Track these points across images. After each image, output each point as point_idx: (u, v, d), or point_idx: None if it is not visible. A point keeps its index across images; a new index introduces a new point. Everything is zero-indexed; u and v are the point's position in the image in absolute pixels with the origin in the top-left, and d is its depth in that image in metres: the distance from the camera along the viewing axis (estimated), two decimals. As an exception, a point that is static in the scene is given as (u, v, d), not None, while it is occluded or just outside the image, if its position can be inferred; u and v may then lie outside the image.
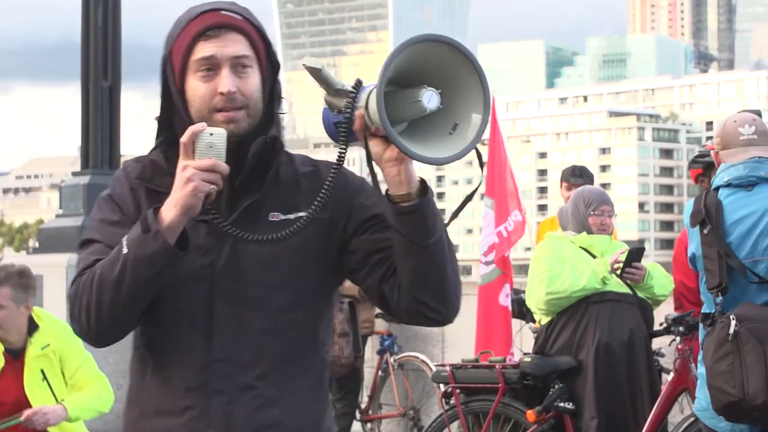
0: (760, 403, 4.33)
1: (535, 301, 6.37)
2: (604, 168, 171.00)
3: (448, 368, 6.78)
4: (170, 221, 2.27)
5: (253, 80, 2.40)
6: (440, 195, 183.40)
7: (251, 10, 2.47)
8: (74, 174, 10.43)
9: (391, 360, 9.05)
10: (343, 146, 2.32)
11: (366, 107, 2.27)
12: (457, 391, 6.72)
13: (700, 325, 4.62)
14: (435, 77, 2.24)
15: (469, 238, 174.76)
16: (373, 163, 2.32)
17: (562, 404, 6.25)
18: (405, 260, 2.34)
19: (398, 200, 2.30)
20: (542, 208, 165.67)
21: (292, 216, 2.41)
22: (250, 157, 2.40)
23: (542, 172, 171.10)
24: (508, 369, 6.58)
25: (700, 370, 4.65)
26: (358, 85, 2.31)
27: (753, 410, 4.36)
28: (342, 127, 2.31)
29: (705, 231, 4.55)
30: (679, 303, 6.34)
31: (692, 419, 5.88)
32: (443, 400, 6.84)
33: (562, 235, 6.52)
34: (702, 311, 4.63)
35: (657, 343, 6.43)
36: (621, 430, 6.14)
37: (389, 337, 9.14)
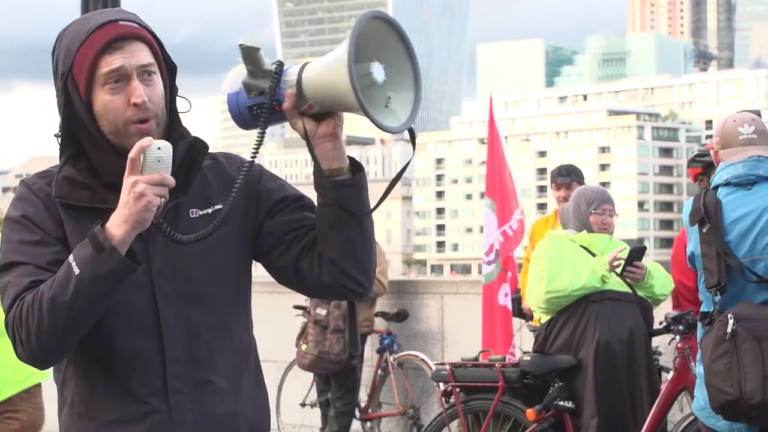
0: (757, 402, 4.33)
1: (534, 300, 6.36)
2: (603, 167, 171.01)
3: (447, 367, 6.78)
4: (122, 237, 2.26)
5: (159, 87, 2.42)
6: (440, 194, 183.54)
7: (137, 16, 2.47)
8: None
9: (391, 359, 9.05)
10: (263, 127, 2.38)
11: (299, 85, 2.33)
12: (457, 389, 6.71)
13: (699, 324, 4.62)
14: (371, 53, 2.33)
15: (469, 237, 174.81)
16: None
17: (561, 403, 6.24)
18: (337, 233, 2.42)
19: (332, 174, 2.39)
20: (542, 206, 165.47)
21: (210, 210, 2.47)
22: (177, 161, 2.40)
23: (542, 171, 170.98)
24: (508, 368, 6.58)
25: (698, 369, 4.65)
26: (281, 65, 2.37)
27: (750, 409, 4.36)
28: (264, 107, 2.36)
29: (704, 230, 4.55)
30: (677, 302, 6.34)
31: (692, 418, 5.88)
32: (443, 398, 6.83)
33: (562, 233, 6.51)
34: (700, 310, 4.63)
35: (656, 341, 6.43)
36: (621, 429, 6.14)
37: (389, 336, 9.14)
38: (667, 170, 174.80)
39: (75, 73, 2.40)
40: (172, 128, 2.47)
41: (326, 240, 2.43)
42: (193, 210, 2.46)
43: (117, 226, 2.27)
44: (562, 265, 6.24)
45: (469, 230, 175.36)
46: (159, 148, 2.27)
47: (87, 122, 2.40)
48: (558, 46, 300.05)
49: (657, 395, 6.06)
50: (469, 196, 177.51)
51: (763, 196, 4.57)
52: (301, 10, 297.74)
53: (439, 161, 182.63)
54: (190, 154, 2.46)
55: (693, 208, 4.63)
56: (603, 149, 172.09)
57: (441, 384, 6.99)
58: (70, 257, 2.29)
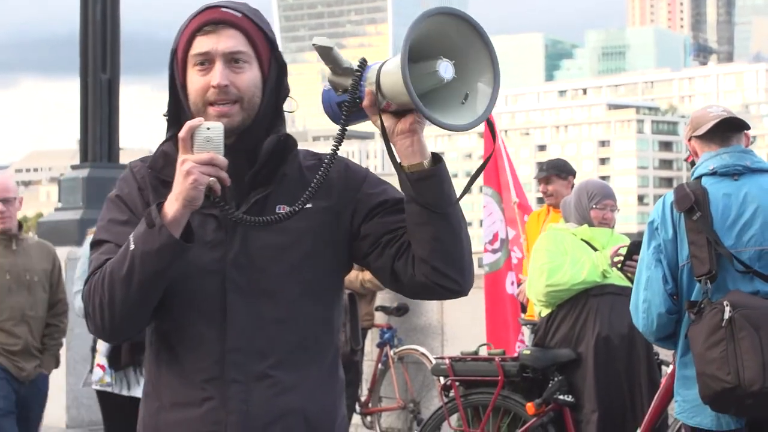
0: (756, 389, 4.28)
1: (534, 293, 6.36)
2: (603, 161, 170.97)
3: (447, 361, 6.77)
4: (173, 215, 2.33)
5: (248, 75, 2.46)
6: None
7: (259, 11, 2.52)
8: (73, 167, 10.41)
9: (391, 353, 9.05)
10: (344, 124, 2.39)
11: (377, 83, 2.33)
12: (457, 383, 6.71)
13: (686, 315, 4.53)
14: (445, 49, 2.32)
15: (469, 231, 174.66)
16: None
17: (561, 397, 6.24)
18: (423, 231, 2.40)
19: (412, 170, 2.38)
20: (542, 200, 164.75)
21: (297, 208, 2.45)
22: (263, 155, 2.47)
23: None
24: (508, 362, 6.58)
25: (682, 371, 4.58)
26: (364, 63, 2.39)
27: (747, 397, 4.31)
28: (346, 104, 2.38)
29: (694, 217, 4.48)
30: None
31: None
32: (443, 392, 6.84)
33: (563, 227, 6.51)
34: (687, 299, 4.56)
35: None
36: (620, 423, 6.14)
37: (389, 330, 9.14)
38: (666, 164, 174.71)
39: (178, 52, 2.49)
40: (272, 123, 2.51)
41: (415, 238, 2.42)
42: (281, 206, 2.48)
43: (170, 204, 2.34)
44: (563, 259, 6.24)
45: (469, 224, 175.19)
46: (208, 128, 2.33)
47: (183, 101, 2.49)
48: (557, 39, 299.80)
49: (657, 389, 6.06)
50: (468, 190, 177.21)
51: (749, 187, 4.54)
52: (301, 4, 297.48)
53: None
54: (280, 149, 2.49)
55: (680, 195, 4.55)
56: (603, 143, 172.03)
57: (441, 378, 6.99)
58: (132, 234, 2.37)
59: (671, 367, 6.04)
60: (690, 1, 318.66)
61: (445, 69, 2.30)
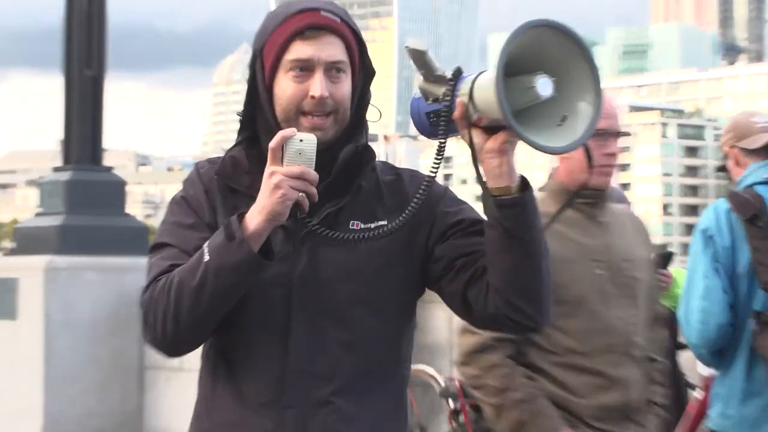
0: None
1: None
2: (624, 167, 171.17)
3: (457, 383, 6.74)
4: (255, 228, 2.31)
5: (346, 86, 2.45)
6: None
7: (347, 12, 2.51)
8: (54, 170, 10.40)
9: (396, 373, 9.03)
10: (443, 138, 2.36)
11: (470, 95, 2.29)
12: (467, 407, 6.68)
13: (752, 325, 4.55)
14: (544, 65, 2.27)
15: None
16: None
17: (580, 422, 6.20)
18: (501, 259, 2.35)
19: (497, 193, 2.33)
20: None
21: (372, 225, 2.45)
22: (339, 165, 2.46)
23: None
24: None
25: (718, 390, 4.63)
26: (459, 72, 2.35)
27: None
28: (442, 114, 2.34)
29: (760, 223, 4.58)
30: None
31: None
32: (452, 417, 6.80)
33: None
34: (752, 309, 4.59)
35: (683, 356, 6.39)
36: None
37: (393, 349, 9.11)
38: (692, 171, 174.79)
39: (265, 53, 2.45)
40: (355, 132, 2.50)
41: (492, 266, 2.38)
42: (355, 222, 2.47)
43: (252, 217, 2.32)
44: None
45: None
46: (301, 140, 2.31)
47: (265, 105, 2.46)
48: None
49: (683, 411, 6.03)
50: (478, 197, 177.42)
51: None
52: None
53: (447, 160, 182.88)
54: (356, 161, 2.48)
55: (739, 201, 4.67)
56: (624, 148, 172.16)
57: (450, 401, 6.96)
58: (206, 243, 2.35)
59: (697, 390, 6.01)
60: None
61: (544, 86, 2.24)
